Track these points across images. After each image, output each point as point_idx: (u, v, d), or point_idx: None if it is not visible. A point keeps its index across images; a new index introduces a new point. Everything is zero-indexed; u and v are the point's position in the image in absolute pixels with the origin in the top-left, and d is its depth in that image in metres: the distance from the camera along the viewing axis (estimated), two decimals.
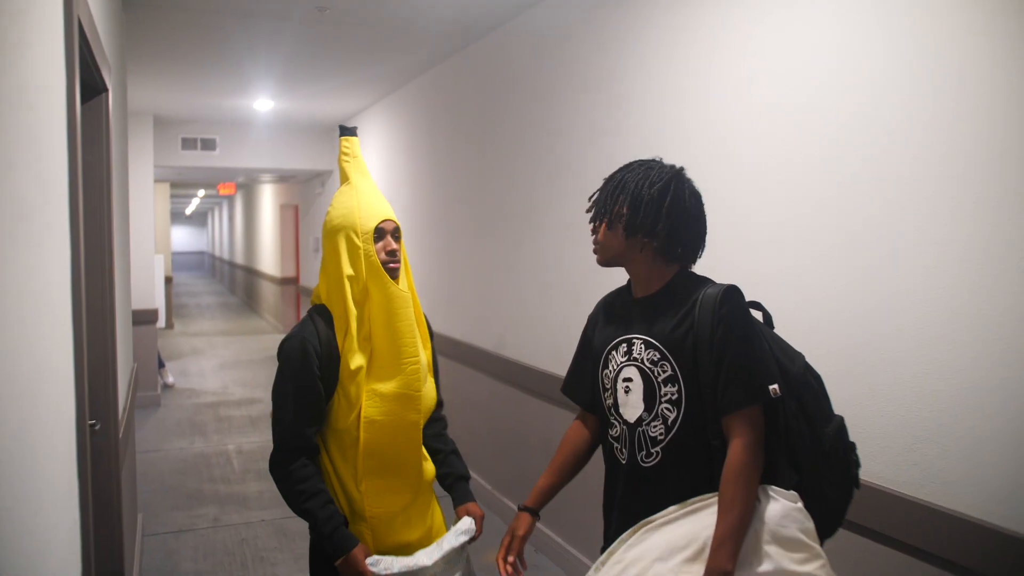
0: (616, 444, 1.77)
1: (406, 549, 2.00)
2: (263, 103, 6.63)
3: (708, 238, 1.76)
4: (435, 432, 2.17)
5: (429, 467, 2.10)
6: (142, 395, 7.02)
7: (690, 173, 1.75)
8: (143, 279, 6.85)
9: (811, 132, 2.24)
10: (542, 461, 3.36)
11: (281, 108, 6.91)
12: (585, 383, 1.90)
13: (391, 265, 1.95)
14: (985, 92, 1.78)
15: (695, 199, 1.72)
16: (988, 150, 1.77)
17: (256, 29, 4.35)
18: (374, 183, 2.05)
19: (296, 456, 1.92)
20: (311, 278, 9.57)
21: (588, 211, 1.79)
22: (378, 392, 1.94)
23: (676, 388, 1.64)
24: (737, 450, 1.57)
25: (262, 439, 6.13)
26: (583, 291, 3.38)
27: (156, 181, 9.76)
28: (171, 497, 4.80)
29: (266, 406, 7.21)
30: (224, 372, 9.10)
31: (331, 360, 1.94)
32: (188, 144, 7.71)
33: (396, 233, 1.98)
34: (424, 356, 2.04)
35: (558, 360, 3.58)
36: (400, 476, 2.01)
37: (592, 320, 1.92)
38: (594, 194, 1.79)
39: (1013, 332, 1.73)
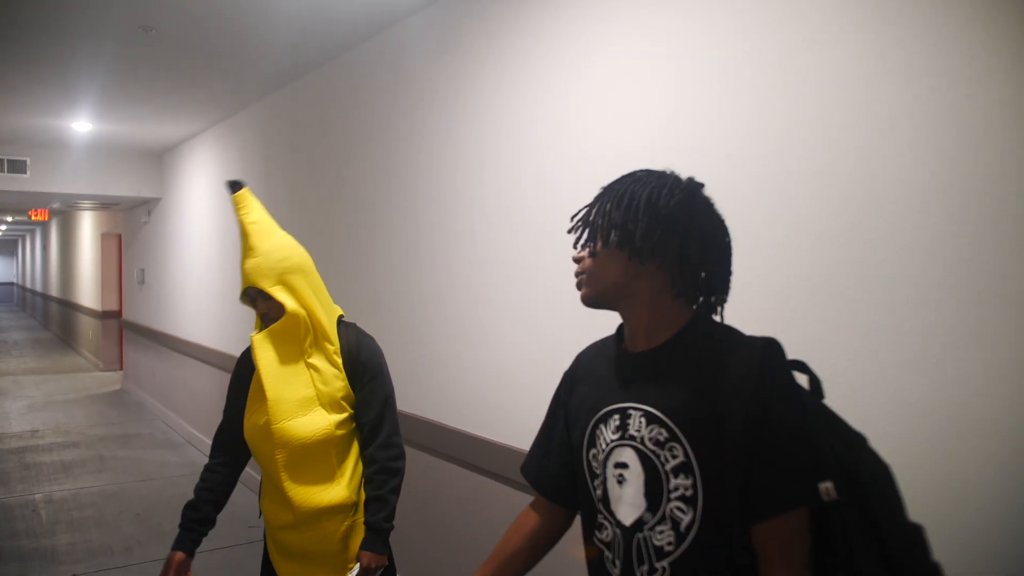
0: (607, 552, 1.30)
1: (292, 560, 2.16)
2: (82, 124, 6.20)
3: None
4: (367, 476, 2.19)
5: (324, 496, 2.11)
6: None
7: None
8: None
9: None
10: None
11: (103, 131, 6.48)
12: (551, 467, 1.46)
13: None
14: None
15: (722, 223, 1.32)
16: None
17: (73, 46, 4.07)
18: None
19: None
20: (135, 311, 8.98)
21: (572, 230, 1.35)
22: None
23: (691, 481, 1.19)
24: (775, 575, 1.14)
25: (75, 486, 5.63)
26: (411, 332, 3.39)
27: None
28: None
29: (83, 449, 6.67)
30: (33, 414, 8.31)
31: None
32: None
33: None
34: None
35: None
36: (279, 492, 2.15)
37: (567, 379, 1.47)
38: (581, 210, 1.36)
39: None
